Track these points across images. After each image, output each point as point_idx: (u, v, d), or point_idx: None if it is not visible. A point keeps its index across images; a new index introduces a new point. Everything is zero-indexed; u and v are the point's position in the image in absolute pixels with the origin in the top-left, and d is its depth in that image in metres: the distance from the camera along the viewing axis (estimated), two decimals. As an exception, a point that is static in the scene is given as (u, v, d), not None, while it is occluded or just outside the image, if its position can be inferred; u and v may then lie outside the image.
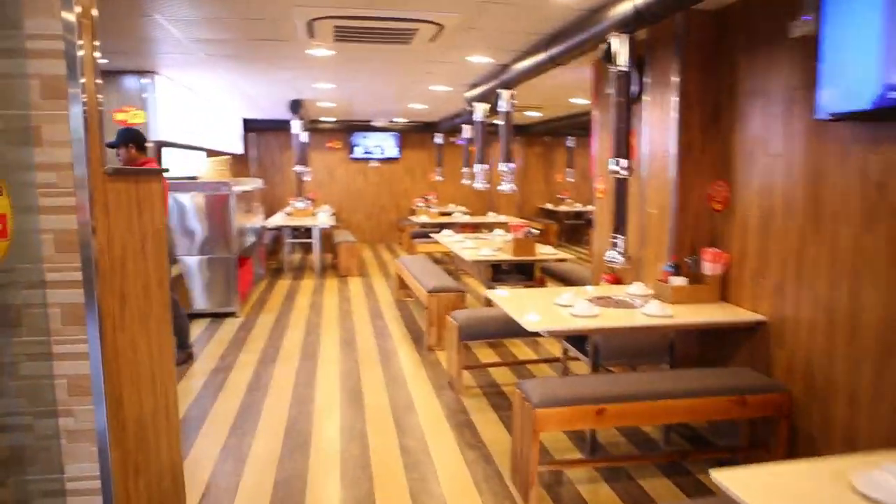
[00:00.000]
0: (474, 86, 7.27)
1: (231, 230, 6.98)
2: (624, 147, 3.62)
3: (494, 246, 6.62)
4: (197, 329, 6.55)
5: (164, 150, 7.19)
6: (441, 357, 5.56)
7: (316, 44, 5.42)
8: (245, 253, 8.38)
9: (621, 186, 3.97)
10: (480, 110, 7.22)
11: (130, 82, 6.75)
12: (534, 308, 3.67)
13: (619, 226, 3.90)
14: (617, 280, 4.66)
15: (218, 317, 7.03)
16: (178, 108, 7.51)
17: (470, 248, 6.61)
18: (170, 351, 3.00)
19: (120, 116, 6.75)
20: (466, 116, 9.32)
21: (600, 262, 5.01)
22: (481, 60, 6.10)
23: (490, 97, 6.72)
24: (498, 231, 7.97)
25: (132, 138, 5.57)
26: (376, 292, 8.46)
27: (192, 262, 6.96)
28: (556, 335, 3.78)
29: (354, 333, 6.37)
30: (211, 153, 8.94)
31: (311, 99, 9.33)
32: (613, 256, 3.84)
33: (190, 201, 6.89)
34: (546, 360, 5.34)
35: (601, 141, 5.49)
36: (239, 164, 12.77)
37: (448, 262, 10.40)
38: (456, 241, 7.20)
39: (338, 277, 9.56)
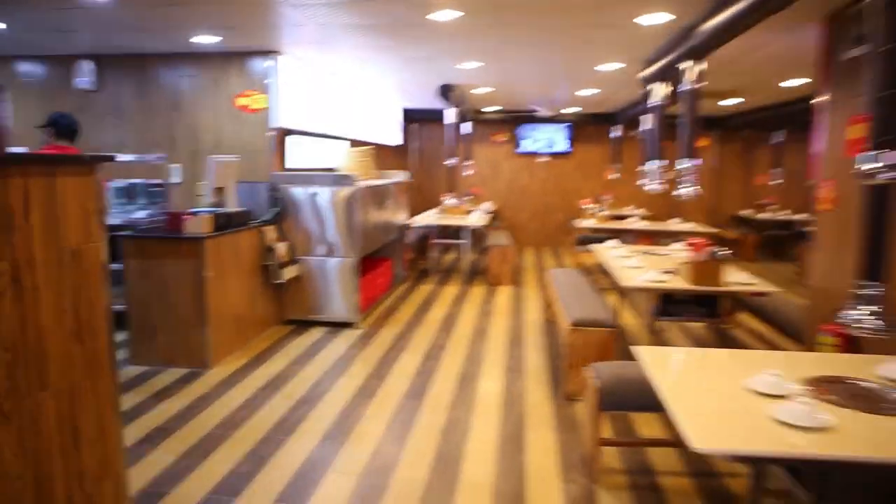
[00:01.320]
0: (650, 63, 5.70)
1: (355, 229, 6.08)
2: (892, 130, 2.04)
3: (667, 267, 5.03)
4: (308, 340, 5.73)
5: (287, 138, 6.46)
6: (581, 411, 4.18)
7: (435, 3, 4.26)
8: (379, 254, 7.49)
9: (878, 197, 2.32)
10: (658, 92, 5.64)
11: (253, 64, 6.07)
12: (707, 389, 2.22)
13: (873, 265, 2.26)
14: (849, 343, 2.99)
15: (336, 327, 6.17)
16: (308, 93, 6.76)
17: (633, 266, 5.08)
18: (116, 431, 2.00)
19: (242, 101, 6.11)
20: (645, 105, 7.72)
21: (820, 300, 3.34)
22: (657, 20, 4.57)
23: (670, 76, 5.15)
24: (677, 245, 6.28)
25: (53, 122, 5.04)
26: (524, 308, 7.17)
27: (310, 264, 6.17)
28: (745, 459, 2.23)
29: (480, 365, 5.16)
30: (357, 144, 8.19)
31: (462, 83, 8.23)
32: (862, 319, 2.22)
33: (309, 196, 6.09)
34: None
35: (831, 131, 3.76)
36: (397, 157, 12.09)
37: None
38: (617, 257, 5.68)
39: (486, 285, 8.40)
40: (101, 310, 1.87)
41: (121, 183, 6.32)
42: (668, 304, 4.78)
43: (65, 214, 1.73)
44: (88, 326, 1.82)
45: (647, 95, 5.93)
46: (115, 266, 5.67)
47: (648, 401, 3.26)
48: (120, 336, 5.52)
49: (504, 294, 7.90)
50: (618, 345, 4.39)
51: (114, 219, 5.85)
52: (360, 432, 3.85)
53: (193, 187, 5.98)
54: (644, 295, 4.78)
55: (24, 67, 6.43)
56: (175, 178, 6.26)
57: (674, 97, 5.27)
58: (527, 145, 12.61)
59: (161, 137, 6.28)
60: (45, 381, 1.66)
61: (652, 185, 5.78)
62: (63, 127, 5.16)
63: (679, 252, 5.84)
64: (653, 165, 5.71)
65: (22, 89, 6.44)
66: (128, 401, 4.31)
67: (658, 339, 5.56)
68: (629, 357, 3.09)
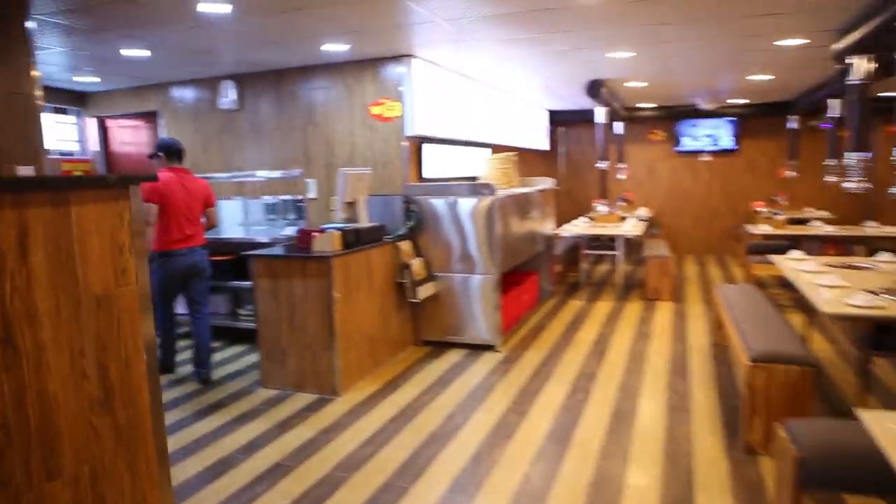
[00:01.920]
0: (843, 32, 4.62)
1: (496, 242, 5.53)
2: None
3: (880, 284, 3.96)
4: (444, 364, 5.25)
5: (423, 147, 6.05)
6: (766, 469, 3.31)
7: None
8: (523, 268, 6.89)
9: None
10: (859, 68, 4.55)
11: (386, 71, 5.73)
12: None
13: None
14: None
15: (475, 350, 5.65)
16: (444, 98, 6.33)
17: (832, 285, 4.06)
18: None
19: (375, 110, 5.79)
20: (835, 86, 6.46)
21: None
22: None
23: (877, 45, 4.10)
24: (885, 255, 5.04)
25: (162, 147, 5.06)
26: (688, 328, 6.23)
27: (448, 281, 5.70)
28: None
29: (637, 400, 4.39)
30: (499, 149, 7.65)
31: (613, 78, 7.42)
32: None
33: (446, 208, 5.62)
34: None
35: None
36: (544, 162, 11.42)
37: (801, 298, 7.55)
38: (805, 271, 4.64)
39: (643, 301, 7.50)
40: (140, 368, 1.47)
41: (270, 199, 6.27)
42: (886, 336, 3.72)
43: (84, 252, 1.35)
44: (121, 391, 1.44)
45: (840, 74, 4.85)
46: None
47: (876, 481, 2.39)
48: (253, 357, 5.39)
49: (664, 311, 6.98)
50: (812, 395, 3.44)
51: (263, 236, 5.80)
52: (494, 484, 3.27)
53: (329, 202, 5.75)
54: (850, 324, 3.75)
55: (176, 92, 6.58)
56: (311, 194, 6.08)
57: (882, 72, 4.20)
58: (687, 143, 11.41)
59: (297, 152, 6.13)
60: (54, 468, 1.28)
61: (852, 183, 4.69)
62: (173, 150, 5.10)
63: (890, 264, 4.68)
64: (853, 158, 4.62)
65: (175, 113, 6.60)
66: (253, 429, 4.06)
67: (872, 384, 4.44)
68: (830, 403, 2.25)
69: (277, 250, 5.01)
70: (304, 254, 4.71)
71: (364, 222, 5.25)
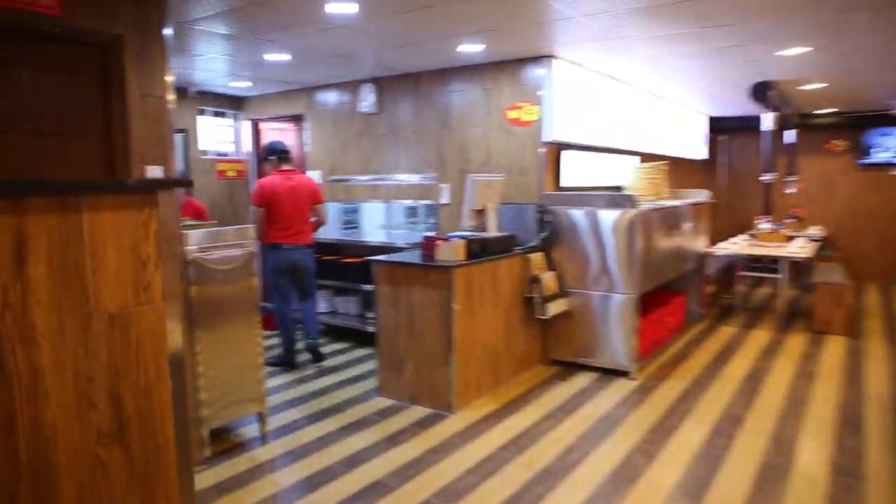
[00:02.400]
0: None
1: (636, 259, 5.00)
2: None
3: None
4: (570, 388, 4.82)
5: (563, 153, 5.63)
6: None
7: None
8: (670, 287, 6.24)
9: None
10: None
11: (525, 73, 5.40)
12: None
13: None
14: None
15: (607, 375, 5.14)
16: (587, 102, 5.86)
17: None
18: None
19: (512, 114, 5.47)
20: None
21: None
22: None
23: None
24: None
25: (271, 150, 5.29)
26: (865, 371, 5.28)
27: (582, 297, 5.25)
28: None
29: (793, 455, 3.69)
30: (649, 158, 7.03)
31: (784, 79, 6.53)
32: None
33: (584, 220, 5.17)
34: None
35: None
36: (702, 173, 10.47)
37: None
38: None
39: (809, 333, 6.53)
40: (163, 396, 1.29)
41: (411, 203, 6.21)
42: None
43: (98, 265, 1.18)
44: (138, 422, 1.26)
45: None
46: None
47: None
48: (371, 365, 5.27)
49: (834, 348, 6.00)
50: None
51: (402, 240, 5.79)
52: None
53: (461, 209, 5.52)
54: None
55: (320, 96, 6.68)
56: (444, 199, 5.89)
57: None
58: (876, 155, 9.93)
59: (432, 157, 5.97)
60: (49, 510, 1.11)
61: None
62: (283, 152, 5.31)
63: None
64: None
65: (318, 116, 6.71)
66: (361, 440, 3.90)
67: None
68: None
69: (400, 257, 4.85)
70: (425, 262, 4.50)
71: (493, 231, 4.95)
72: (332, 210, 6.98)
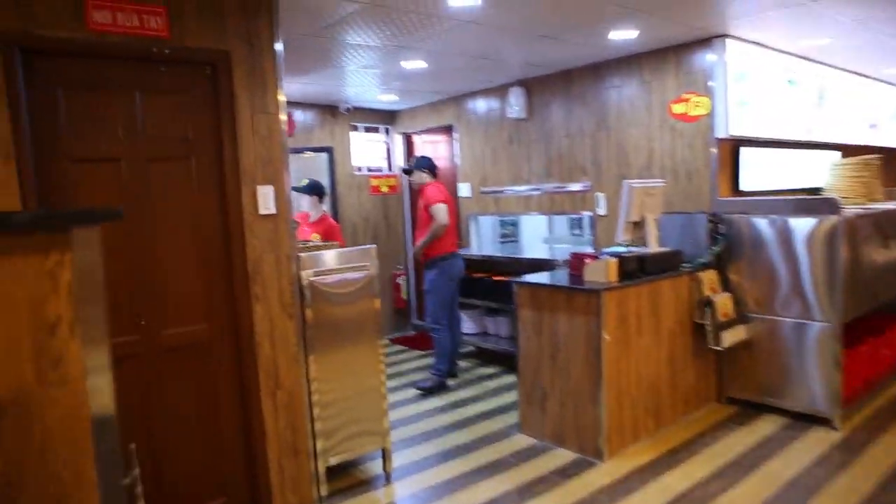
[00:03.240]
0: None
1: (836, 278, 3.96)
2: None
3: None
4: (751, 436, 3.91)
5: (741, 150, 4.67)
6: None
7: None
8: (886, 311, 4.98)
9: None
10: None
11: (691, 59, 4.55)
12: None
13: None
14: None
15: (799, 421, 4.13)
16: (769, 89, 4.85)
17: None
18: None
19: (678, 109, 4.65)
20: None
21: None
22: None
23: None
24: None
25: (421, 165, 5.24)
26: None
27: (766, 324, 4.29)
28: None
29: None
30: (853, 151, 5.72)
31: None
32: None
33: (769, 231, 4.22)
34: None
35: None
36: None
37: None
38: None
39: None
40: None
41: (573, 215, 5.65)
42: None
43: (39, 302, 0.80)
44: None
45: None
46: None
47: None
48: (513, 396, 4.71)
49: None
50: None
51: (563, 255, 5.21)
52: None
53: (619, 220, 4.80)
54: None
55: (468, 104, 6.28)
56: (600, 210, 5.19)
57: None
58: None
59: (586, 162, 5.30)
60: None
61: None
62: (432, 166, 5.27)
63: None
64: None
65: (467, 126, 6.32)
66: (491, 488, 3.39)
67: None
68: None
69: (544, 277, 4.27)
70: (571, 283, 3.88)
71: (653, 246, 4.19)
72: (485, 224, 6.57)
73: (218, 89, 3.05)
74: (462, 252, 5.78)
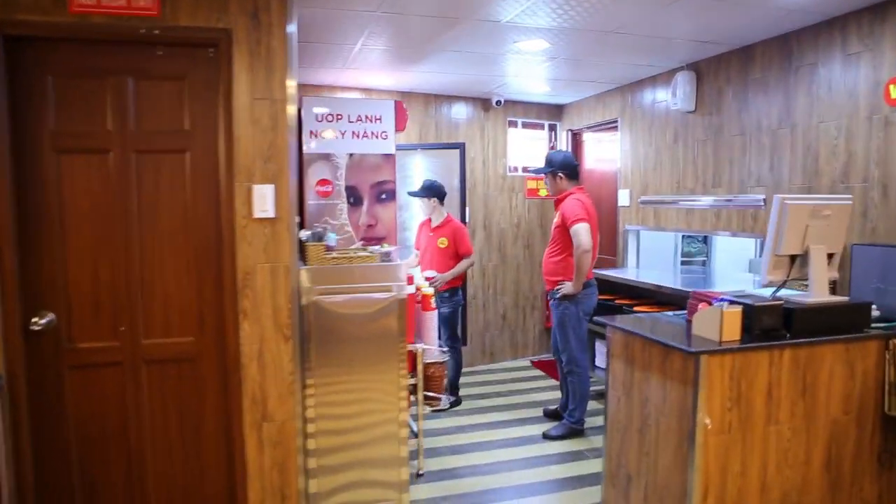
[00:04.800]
0: None
1: None
2: None
3: None
4: None
5: None
6: None
7: None
8: None
9: None
10: None
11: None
12: None
13: None
14: None
15: None
16: None
17: None
18: None
19: None
20: None
21: None
22: None
23: None
24: None
25: (554, 162, 4.20)
26: None
27: None
28: None
29: None
30: None
31: None
32: None
33: None
34: None
35: None
36: None
37: None
38: None
39: None
40: None
41: (746, 236, 4.22)
42: None
43: None
44: None
45: None
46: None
47: None
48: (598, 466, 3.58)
49: None
50: None
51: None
52: None
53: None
54: None
55: (634, 95, 5.10)
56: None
57: None
58: None
59: (762, 168, 3.88)
60: None
61: None
62: (573, 168, 4.19)
63: None
64: None
65: (632, 121, 5.14)
66: None
67: None
68: None
69: (642, 322, 3.11)
70: (670, 336, 2.72)
71: (818, 293, 2.78)
72: (649, 240, 5.32)
73: (218, 73, 2.61)
74: (612, 273, 4.74)
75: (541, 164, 6.25)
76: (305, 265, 2.92)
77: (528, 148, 6.13)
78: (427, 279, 4.60)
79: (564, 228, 3.97)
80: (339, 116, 4.27)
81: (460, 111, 5.74)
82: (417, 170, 5.29)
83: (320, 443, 2.77)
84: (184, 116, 2.63)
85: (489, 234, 5.91)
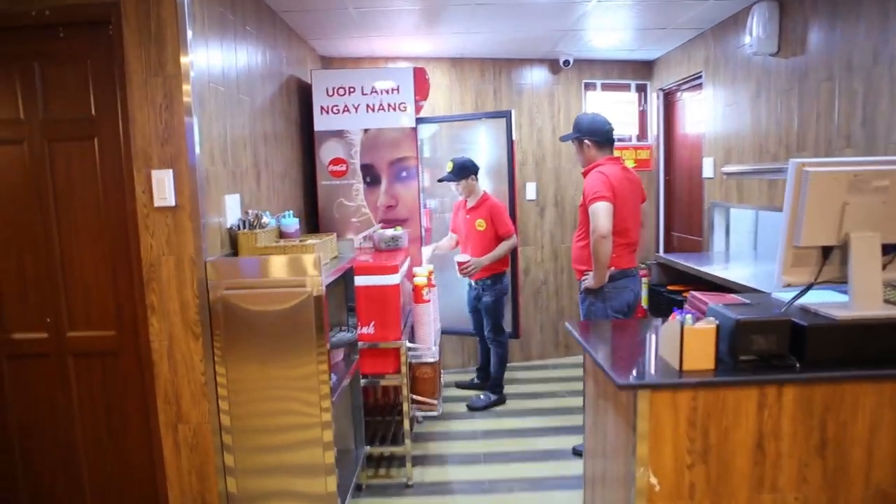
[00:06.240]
0: None
1: None
2: None
3: None
4: None
5: None
6: None
7: None
8: None
9: None
10: None
11: None
12: None
13: None
14: None
15: None
16: None
17: None
18: None
19: None
20: None
21: None
22: None
23: None
24: None
25: (588, 129, 3.35)
26: None
27: None
28: None
29: None
30: None
31: None
32: None
33: None
34: None
35: None
36: None
37: None
38: None
39: None
40: None
41: None
42: None
43: None
44: None
45: None
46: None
47: None
48: None
49: None
50: None
51: None
52: None
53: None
54: None
55: (718, 42, 4.00)
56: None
57: None
58: None
59: (854, 121, 2.78)
60: None
61: None
62: (605, 134, 3.38)
63: None
64: None
65: (715, 74, 4.05)
66: None
67: None
68: None
69: (601, 335, 2.34)
70: (604, 362, 1.99)
71: (864, 301, 1.84)
72: (743, 221, 4.26)
73: (113, 52, 2.36)
74: (676, 259, 3.89)
75: (633, 130, 5.36)
76: (238, 255, 2.60)
77: (612, 113, 5.21)
78: (459, 265, 4.08)
79: (585, 208, 3.21)
80: (352, 89, 3.87)
81: (523, 76, 5.02)
82: (461, 144, 4.70)
83: (239, 448, 2.47)
84: (90, 101, 2.42)
85: (562, 212, 5.16)
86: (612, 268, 3.17)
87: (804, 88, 3.13)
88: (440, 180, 4.18)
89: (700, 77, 4.32)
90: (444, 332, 4.67)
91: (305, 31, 3.97)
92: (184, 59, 2.32)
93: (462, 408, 4.16)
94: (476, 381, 4.49)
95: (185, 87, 2.34)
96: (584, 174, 3.34)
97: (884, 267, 1.90)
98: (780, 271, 1.94)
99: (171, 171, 2.36)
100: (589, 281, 3.21)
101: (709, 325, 1.77)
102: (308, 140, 3.99)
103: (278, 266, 2.42)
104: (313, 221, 4.00)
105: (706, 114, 4.26)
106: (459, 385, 4.57)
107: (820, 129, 3.01)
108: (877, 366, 1.77)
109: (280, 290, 2.40)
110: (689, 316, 1.80)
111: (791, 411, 1.76)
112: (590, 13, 3.77)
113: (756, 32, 3.36)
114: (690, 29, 4.22)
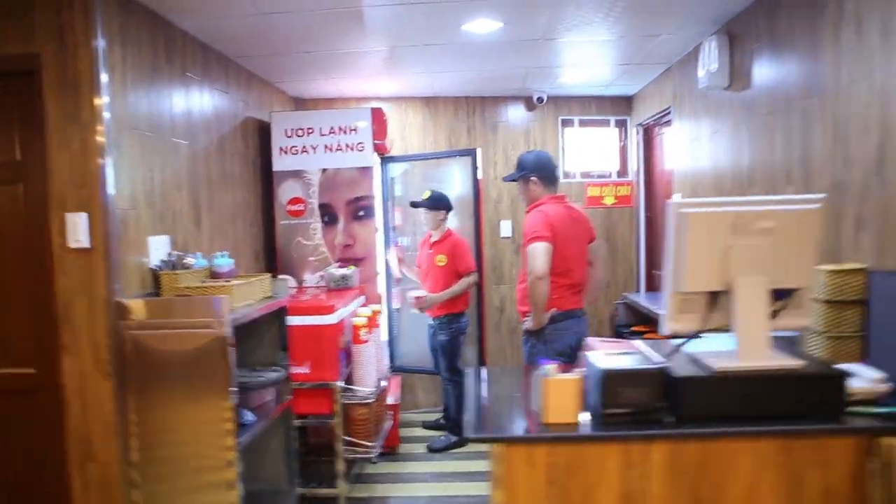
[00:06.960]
0: None
1: None
2: None
3: None
4: None
5: None
6: None
7: None
8: None
9: None
10: None
11: None
12: None
13: None
14: None
15: None
16: None
17: None
18: None
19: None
20: None
21: None
22: None
23: None
24: None
25: (534, 166, 3.16)
26: None
27: None
28: None
29: None
30: None
31: None
32: None
33: None
34: None
35: None
36: None
37: None
38: None
39: None
40: None
41: None
42: None
43: None
44: None
45: None
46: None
47: None
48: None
49: None
50: None
51: None
52: None
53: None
54: None
55: (686, 72, 3.88)
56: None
57: None
58: None
59: (792, 155, 2.63)
60: None
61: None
62: (549, 170, 3.23)
63: None
64: None
65: (681, 108, 3.92)
66: None
67: None
68: None
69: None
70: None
71: (750, 351, 1.69)
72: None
73: (32, 100, 2.42)
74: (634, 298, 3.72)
75: (613, 167, 5.23)
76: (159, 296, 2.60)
77: (591, 150, 5.13)
78: (414, 299, 4.00)
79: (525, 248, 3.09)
80: (311, 130, 3.90)
81: (498, 114, 4.98)
82: (431, 183, 4.64)
83: (148, 489, 2.43)
84: (15, 147, 2.49)
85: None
86: (554, 309, 3.03)
87: (752, 124, 2.99)
88: (413, 204, 4.15)
89: (670, 112, 4.21)
90: (412, 371, 4.58)
91: (270, 74, 4.04)
92: (98, 106, 2.37)
93: (423, 448, 4.03)
94: (441, 421, 4.35)
95: (100, 132, 2.38)
96: (528, 213, 3.25)
97: (775, 314, 1.75)
98: (667, 318, 1.81)
99: (85, 214, 2.39)
100: (528, 323, 3.08)
101: (569, 377, 1.66)
102: (267, 180, 4.02)
103: (189, 307, 2.41)
104: (272, 261, 4.01)
105: (674, 149, 4.13)
106: (425, 425, 4.44)
107: (766, 166, 2.86)
108: (756, 422, 1.62)
109: (188, 332, 2.38)
110: (552, 366, 1.69)
111: (661, 470, 1.61)
112: (551, 49, 3.72)
113: (707, 67, 3.26)
114: (659, 64, 4.13)
